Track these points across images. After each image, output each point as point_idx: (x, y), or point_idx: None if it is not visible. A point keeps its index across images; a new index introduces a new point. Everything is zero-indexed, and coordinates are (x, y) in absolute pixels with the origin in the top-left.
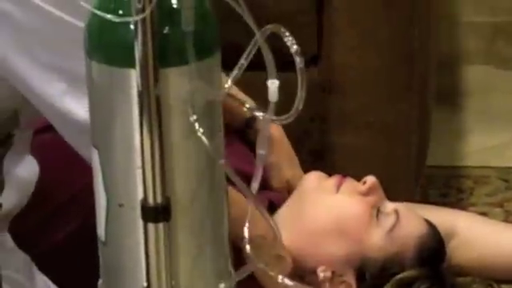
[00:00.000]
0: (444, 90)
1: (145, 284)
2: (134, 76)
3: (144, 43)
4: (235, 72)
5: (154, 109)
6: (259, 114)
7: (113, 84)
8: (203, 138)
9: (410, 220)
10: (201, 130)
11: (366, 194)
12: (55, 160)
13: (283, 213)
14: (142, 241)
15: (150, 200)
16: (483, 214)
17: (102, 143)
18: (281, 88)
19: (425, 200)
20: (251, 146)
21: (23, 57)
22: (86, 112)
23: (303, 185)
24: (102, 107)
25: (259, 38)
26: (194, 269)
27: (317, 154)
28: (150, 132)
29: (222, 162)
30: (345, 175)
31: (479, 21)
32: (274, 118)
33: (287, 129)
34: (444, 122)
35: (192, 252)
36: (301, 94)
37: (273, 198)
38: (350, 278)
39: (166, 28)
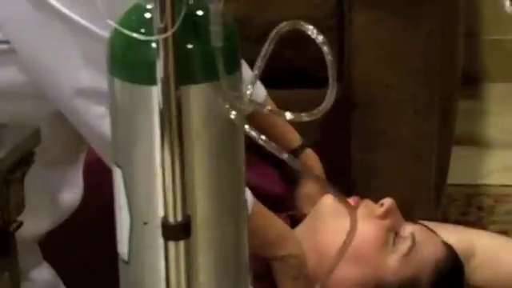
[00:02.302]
0: (466, 108)
1: None
2: (156, 94)
3: (166, 62)
4: (255, 72)
5: (174, 127)
6: (288, 114)
7: (135, 102)
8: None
9: (427, 244)
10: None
11: (382, 217)
12: (86, 174)
13: (300, 232)
14: (163, 259)
15: (171, 218)
16: (503, 232)
17: (124, 162)
18: (297, 104)
19: (445, 218)
20: (290, 176)
21: (74, 85)
22: None
23: (321, 206)
24: (124, 125)
25: (275, 34)
26: (213, 287)
27: (337, 171)
28: (171, 150)
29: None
30: (362, 197)
31: (502, 39)
32: (305, 114)
33: (312, 145)
34: (465, 140)
35: (211, 270)
36: (332, 86)
37: (296, 215)
38: None
39: (191, 45)
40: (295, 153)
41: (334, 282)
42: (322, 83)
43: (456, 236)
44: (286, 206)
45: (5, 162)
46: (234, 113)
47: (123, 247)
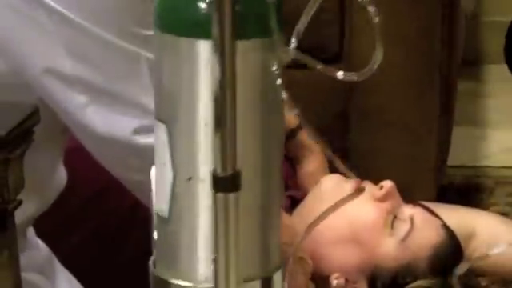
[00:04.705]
0: (466, 90)
1: (213, 256)
2: (202, 47)
3: (222, 15)
4: (299, 26)
5: (229, 81)
6: (339, 73)
7: (181, 55)
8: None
9: (426, 228)
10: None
11: (382, 199)
12: (77, 160)
13: (300, 212)
14: (209, 213)
15: (220, 171)
16: (504, 214)
17: (169, 117)
18: (303, 85)
19: (445, 200)
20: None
21: (48, 65)
22: (105, 125)
23: (321, 187)
24: (169, 80)
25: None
26: (258, 243)
27: (337, 152)
28: (223, 105)
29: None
30: (362, 179)
31: (502, 20)
32: (354, 73)
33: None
34: (465, 122)
35: (255, 226)
36: (379, 47)
37: (295, 195)
38: (363, 286)
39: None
40: (293, 132)
41: (332, 265)
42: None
43: (456, 217)
44: (287, 186)
45: (4, 141)
46: (276, 69)
47: (163, 204)
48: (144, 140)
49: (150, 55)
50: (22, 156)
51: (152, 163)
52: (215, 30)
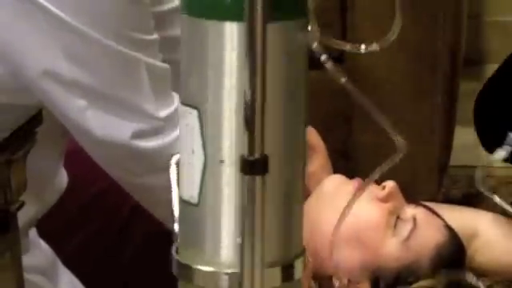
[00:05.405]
0: (468, 89)
1: (239, 240)
2: (230, 30)
3: None
4: None
5: (260, 65)
6: (362, 46)
7: (209, 39)
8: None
9: (428, 228)
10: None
11: (384, 200)
12: (77, 162)
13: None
14: (238, 198)
15: (250, 154)
16: (506, 214)
17: (200, 102)
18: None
19: (448, 200)
20: None
21: (47, 68)
22: (103, 129)
23: (323, 187)
24: (198, 64)
25: None
26: (281, 228)
27: (340, 152)
28: (253, 89)
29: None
30: (365, 179)
31: (503, 20)
32: (364, 47)
33: (312, 127)
34: (468, 122)
35: (280, 211)
36: (398, 18)
37: None
38: (366, 286)
39: None
40: None
41: (336, 265)
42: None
43: (459, 217)
44: None
45: (7, 142)
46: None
47: (192, 191)
48: (143, 144)
49: (149, 60)
50: (24, 157)
51: (150, 167)
52: (246, 12)
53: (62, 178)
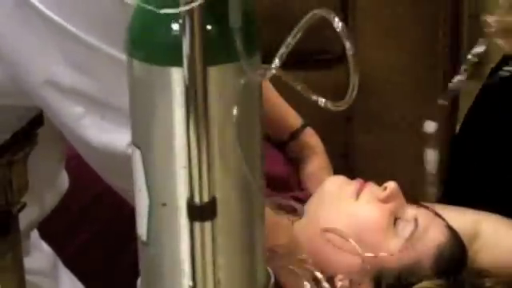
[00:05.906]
0: (469, 89)
1: (191, 283)
2: (176, 74)
3: (192, 38)
4: (282, 50)
5: (201, 108)
6: (320, 99)
7: (154, 83)
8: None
9: (430, 228)
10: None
11: (385, 201)
12: (78, 163)
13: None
14: (185, 240)
15: (197, 199)
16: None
17: (143, 143)
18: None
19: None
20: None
21: (46, 73)
22: (100, 136)
23: (324, 189)
24: (142, 106)
25: (306, 21)
26: (235, 269)
27: (341, 153)
28: (197, 131)
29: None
30: (366, 180)
31: (503, 20)
32: (330, 103)
33: (312, 128)
34: None
35: (232, 252)
36: (353, 79)
37: (298, 196)
38: (367, 287)
39: (211, 25)
40: (296, 133)
41: (338, 266)
42: (324, 65)
43: (461, 218)
44: (290, 187)
45: (8, 143)
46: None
47: (142, 228)
48: None
49: None
50: (25, 158)
51: None
52: (185, 55)
53: (63, 180)
